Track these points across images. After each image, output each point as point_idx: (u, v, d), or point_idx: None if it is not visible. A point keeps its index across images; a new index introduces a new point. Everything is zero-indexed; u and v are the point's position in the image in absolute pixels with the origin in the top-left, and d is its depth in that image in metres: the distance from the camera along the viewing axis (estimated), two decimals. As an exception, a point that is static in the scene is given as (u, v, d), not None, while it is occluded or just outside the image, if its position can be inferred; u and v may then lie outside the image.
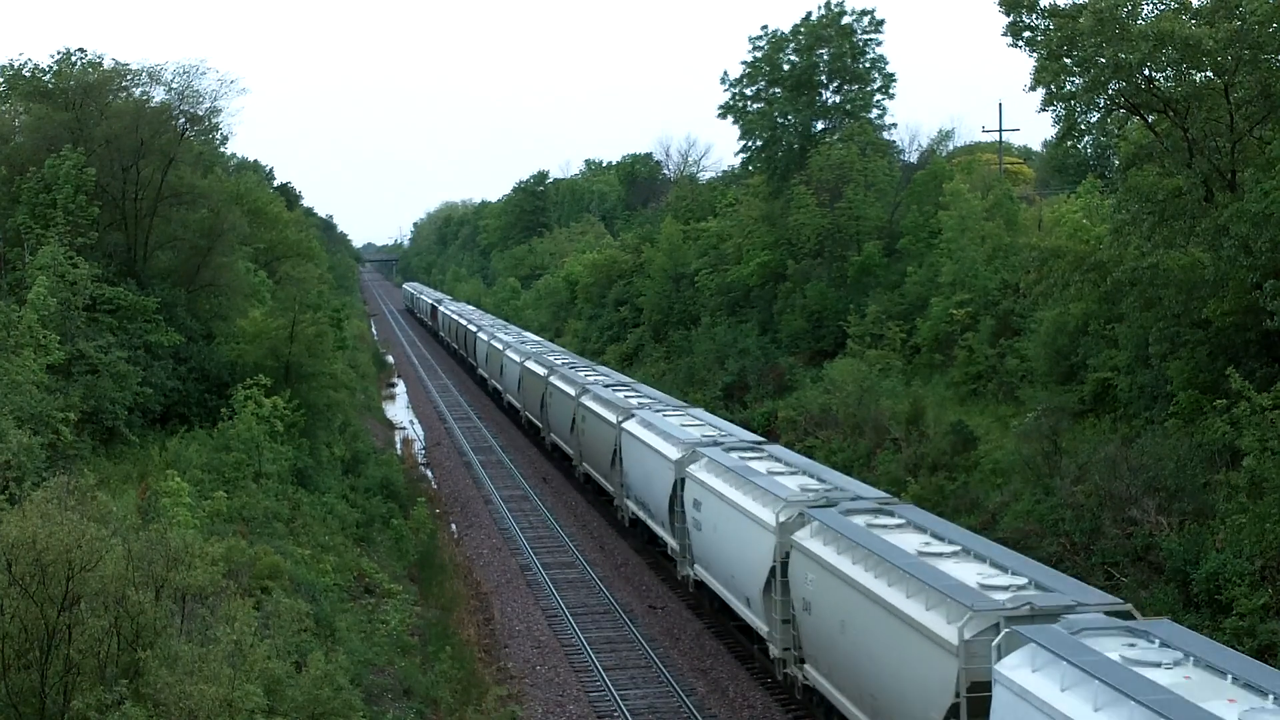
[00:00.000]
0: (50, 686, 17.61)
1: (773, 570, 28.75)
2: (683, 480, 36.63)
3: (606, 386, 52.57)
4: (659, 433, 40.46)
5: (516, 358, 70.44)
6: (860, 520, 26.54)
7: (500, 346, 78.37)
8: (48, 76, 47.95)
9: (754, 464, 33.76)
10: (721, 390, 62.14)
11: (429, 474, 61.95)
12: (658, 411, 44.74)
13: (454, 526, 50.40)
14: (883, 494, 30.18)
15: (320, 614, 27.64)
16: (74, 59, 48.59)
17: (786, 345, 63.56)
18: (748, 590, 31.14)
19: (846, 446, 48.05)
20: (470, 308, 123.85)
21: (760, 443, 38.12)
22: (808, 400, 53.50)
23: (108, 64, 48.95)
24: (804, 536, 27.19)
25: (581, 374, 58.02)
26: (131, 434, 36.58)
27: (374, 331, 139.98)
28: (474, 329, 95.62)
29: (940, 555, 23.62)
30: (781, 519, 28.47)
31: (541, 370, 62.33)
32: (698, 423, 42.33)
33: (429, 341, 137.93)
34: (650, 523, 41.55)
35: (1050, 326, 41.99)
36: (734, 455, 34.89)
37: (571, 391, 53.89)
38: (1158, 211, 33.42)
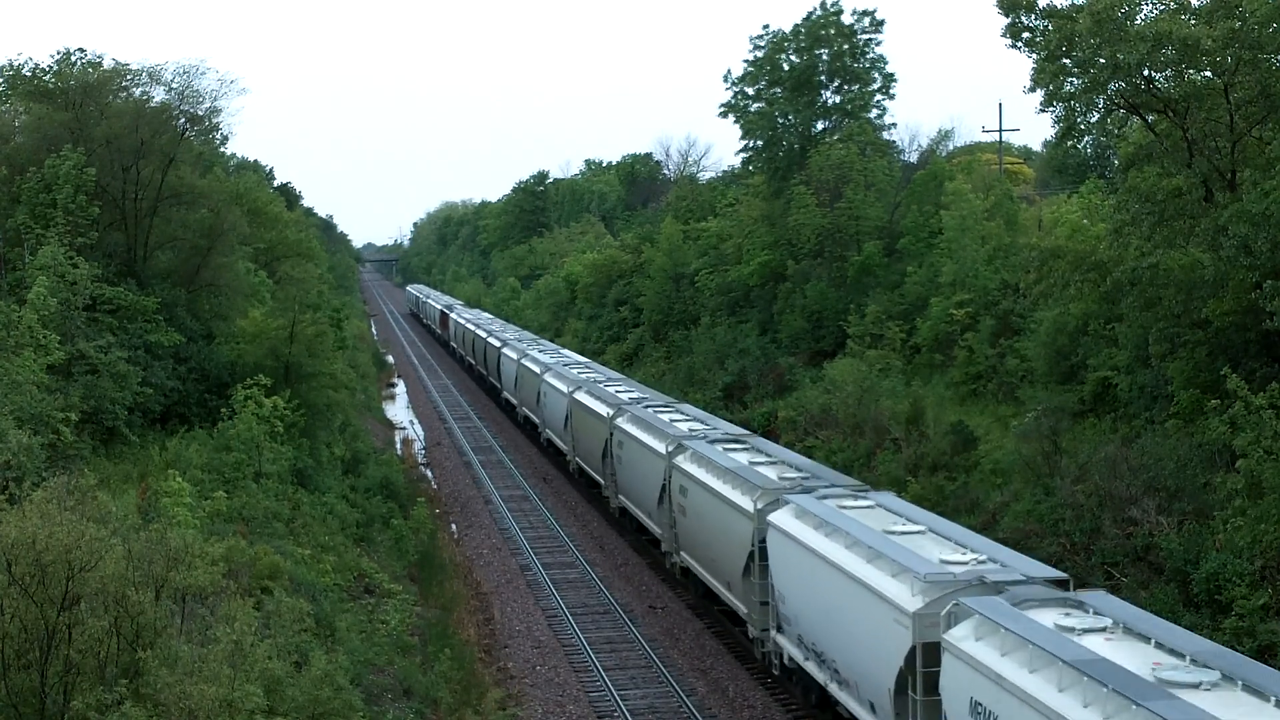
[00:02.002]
0: (50, 686, 17.62)
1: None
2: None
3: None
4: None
5: (562, 386, 57.08)
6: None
7: (535, 368, 64.65)
8: (48, 76, 47.94)
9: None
10: (721, 390, 62.14)
11: (429, 474, 61.96)
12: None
13: (454, 526, 50.41)
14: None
15: (320, 614, 27.64)
16: (74, 59, 48.59)
17: (786, 345, 63.57)
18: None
19: (846, 446, 48.05)
20: (487, 315, 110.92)
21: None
22: (808, 400, 53.50)
23: (108, 64, 49.02)
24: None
25: (670, 418, 44.06)
26: (131, 434, 36.58)
27: (374, 331, 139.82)
28: (497, 343, 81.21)
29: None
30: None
31: (604, 409, 48.54)
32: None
33: (439, 353, 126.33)
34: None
35: (1050, 326, 41.99)
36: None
37: (661, 450, 39.47)
38: (1157, 212, 33.42)
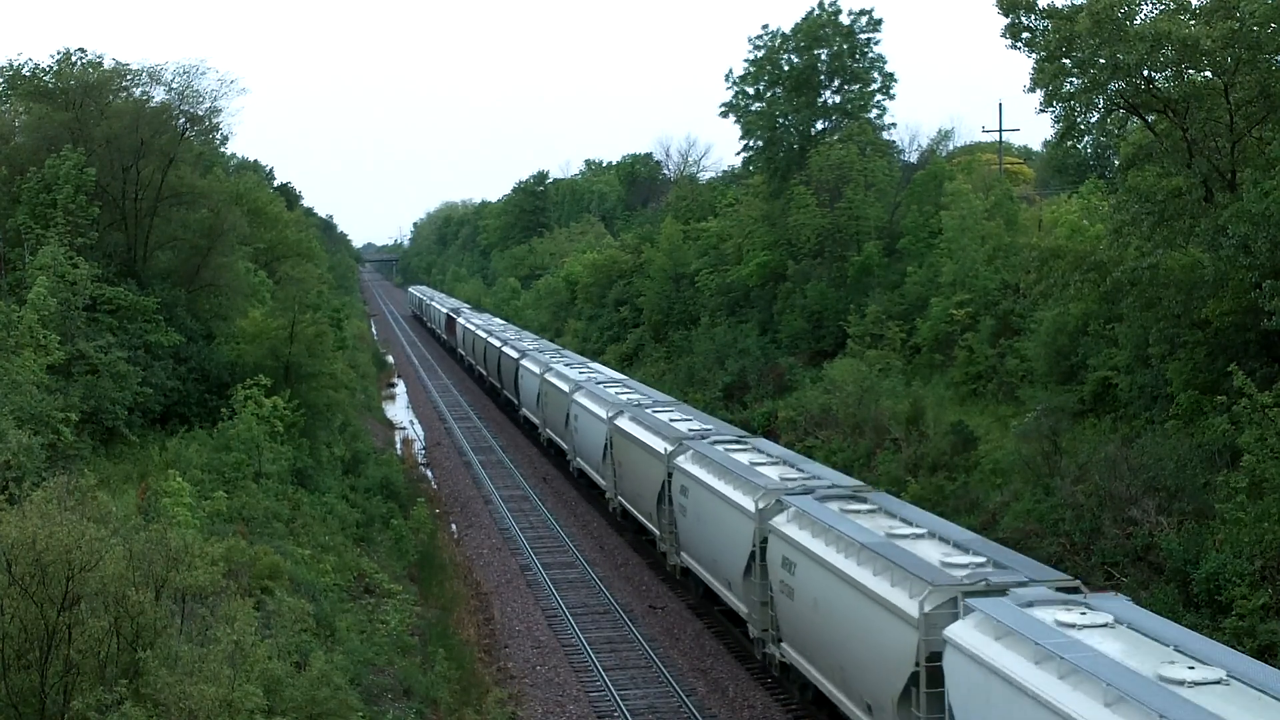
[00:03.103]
0: (50, 686, 17.61)
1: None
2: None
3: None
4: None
5: (598, 410, 48.38)
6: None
7: (563, 386, 56.13)
8: (48, 76, 47.92)
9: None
10: (721, 390, 62.14)
11: (429, 474, 61.95)
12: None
13: (454, 526, 50.41)
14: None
15: (320, 614, 27.64)
16: (74, 59, 48.55)
17: (786, 345, 63.56)
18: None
19: (846, 446, 48.05)
20: (499, 321, 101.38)
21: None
22: (808, 400, 53.50)
23: (108, 64, 48.98)
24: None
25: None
26: (131, 434, 36.56)
27: (374, 331, 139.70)
28: (514, 354, 72.42)
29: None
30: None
31: (659, 444, 39.65)
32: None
33: (439, 353, 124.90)
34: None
35: (1050, 326, 41.99)
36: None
37: (751, 508, 31.28)
38: (1157, 212, 33.43)
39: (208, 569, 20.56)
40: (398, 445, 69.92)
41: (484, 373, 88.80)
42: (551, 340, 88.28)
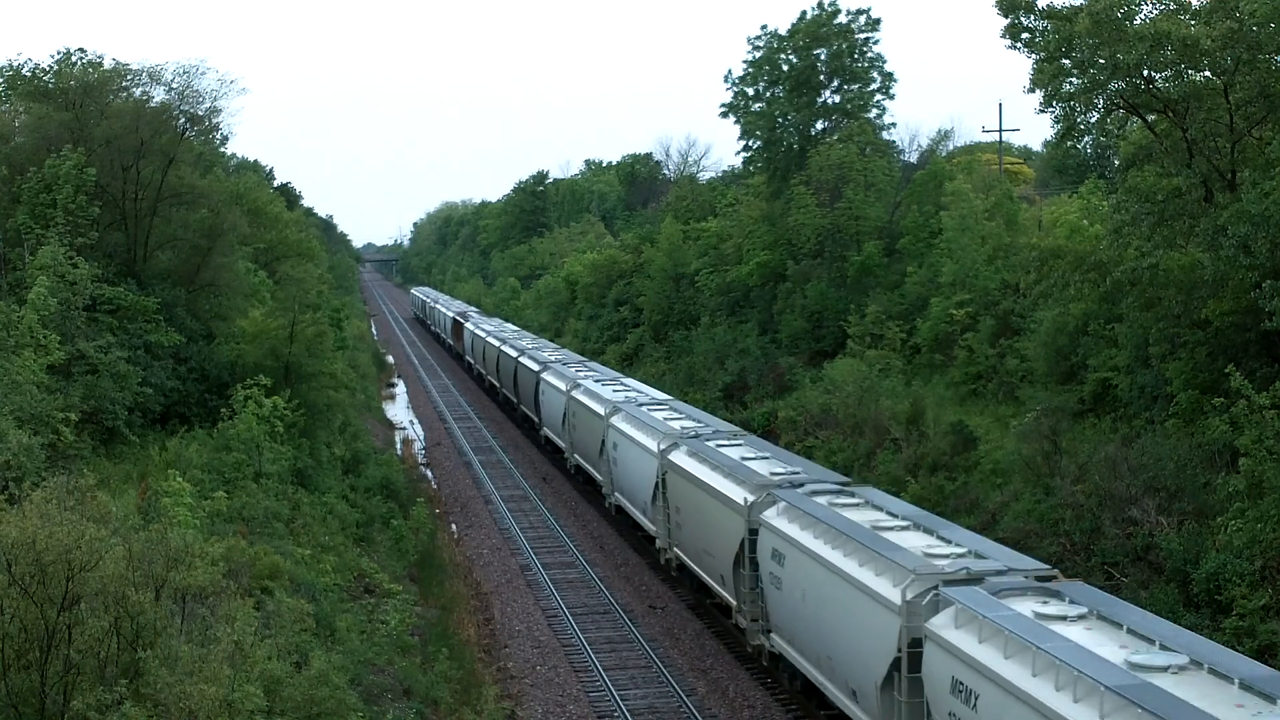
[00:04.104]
0: (50, 686, 17.61)
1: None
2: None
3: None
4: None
5: (646, 440, 40.92)
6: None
7: (596, 407, 48.37)
8: (48, 76, 47.93)
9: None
10: (721, 390, 62.13)
11: (429, 474, 61.94)
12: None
13: (454, 526, 50.41)
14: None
15: (320, 614, 27.64)
16: (74, 59, 48.57)
17: (786, 345, 63.55)
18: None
19: (846, 446, 48.05)
20: (513, 327, 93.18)
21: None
22: (808, 400, 53.50)
23: (108, 64, 48.98)
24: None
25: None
26: (131, 434, 36.56)
27: (374, 332, 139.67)
28: (534, 365, 64.26)
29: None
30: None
31: (737, 493, 31.84)
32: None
33: (439, 352, 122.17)
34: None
35: (1050, 326, 41.99)
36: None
37: (896, 604, 24.45)
38: (1157, 212, 33.42)
39: (208, 569, 20.56)
40: (398, 445, 69.92)
41: (496, 383, 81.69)
42: (551, 340, 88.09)
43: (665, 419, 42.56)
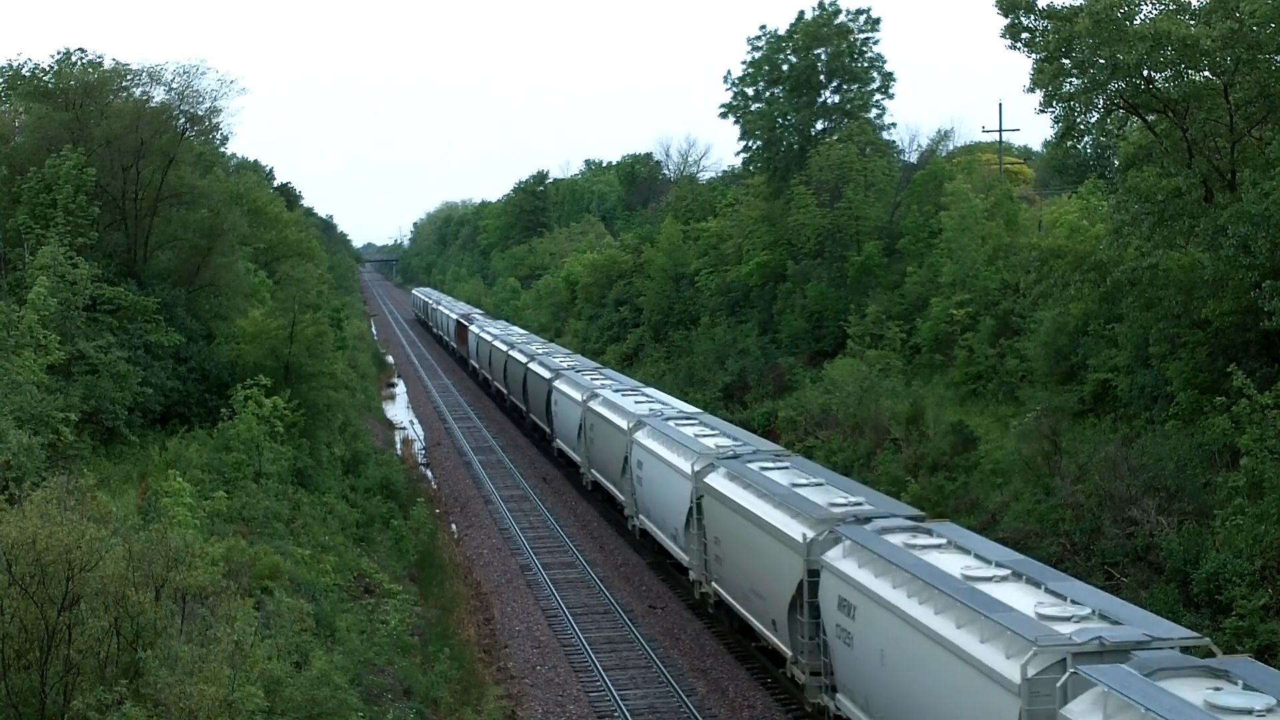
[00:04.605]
0: (50, 686, 17.61)
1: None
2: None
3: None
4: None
5: (678, 460, 37.11)
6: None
7: (618, 420, 45.02)
8: (48, 76, 47.90)
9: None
10: (721, 390, 62.13)
11: (429, 474, 61.95)
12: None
13: (454, 526, 50.42)
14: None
15: (320, 614, 27.64)
16: (74, 59, 48.56)
17: (786, 345, 63.55)
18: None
19: (846, 447, 48.05)
20: (520, 330, 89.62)
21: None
22: (808, 400, 53.50)
23: (108, 64, 48.95)
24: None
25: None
26: (131, 434, 36.56)
27: (374, 332, 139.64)
28: (545, 373, 60.36)
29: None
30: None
31: (795, 530, 28.05)
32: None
33: (439, 352, 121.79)
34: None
35: (1050, 326, 41.99)
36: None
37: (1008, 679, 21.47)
38: (1157, 212, 33.42)
39: (208, 569, 20.56)
40: (398, 445, 69.93)
41: (503, 390, 77.49)
42: (552, 340, 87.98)
43: (697, 435, 38.72)
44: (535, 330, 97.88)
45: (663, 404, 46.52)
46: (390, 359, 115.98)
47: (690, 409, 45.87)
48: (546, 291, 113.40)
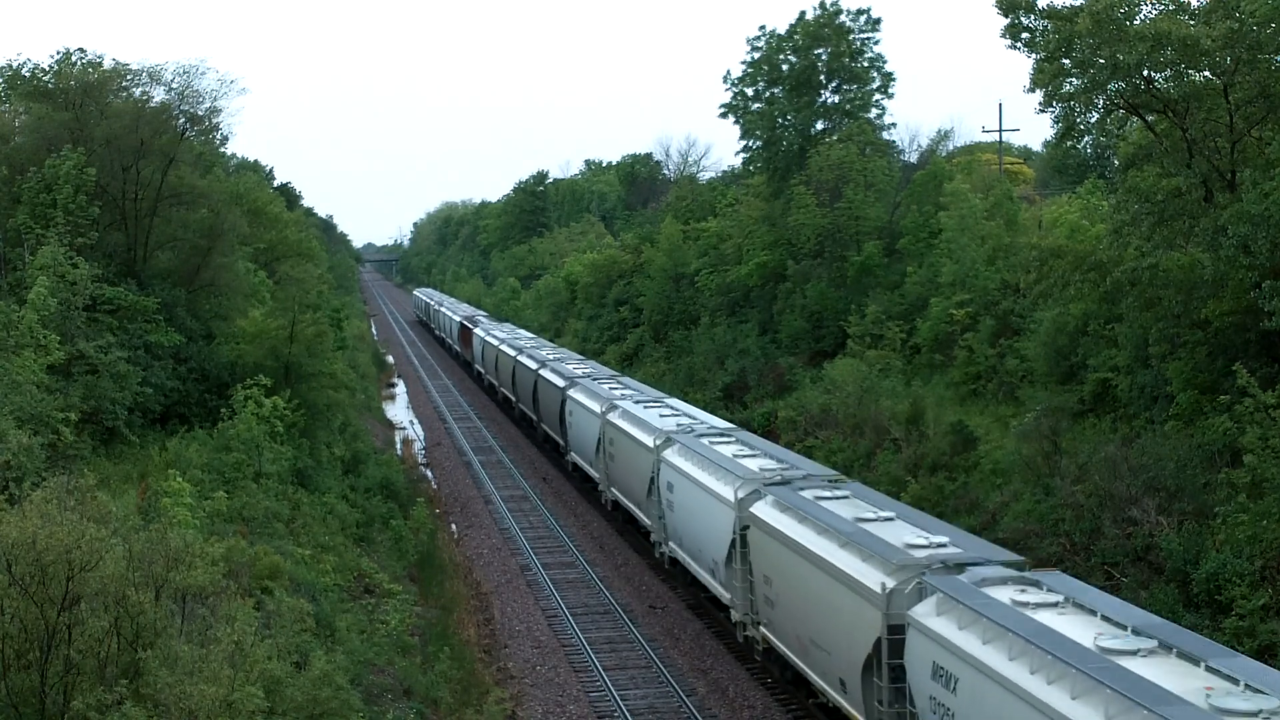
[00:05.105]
0: (50, 686, 17.61)
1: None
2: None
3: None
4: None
5: (722, 487, 33.06)
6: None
7: (645, 438, 40.93)
8: (48, 76, 47.87)
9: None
10: (721, 390, 62.13)
11: (429, 474, 61.94)
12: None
13: (454, 526, 50.40)
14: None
15: (320, 614, 27.64)
16: (74, 59, 48.52)
17: (786, 345, 63.56)
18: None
19: (846, 446, 48.05)
20: (529, 335, 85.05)
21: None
22: (808, 400, 53.50)
23: (108, 64, 48.92)
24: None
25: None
26: (131, 434, 36.55)
27: (374, 332, 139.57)
28: (558, 381, 56.84)
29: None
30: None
31: (872, 578, 24.35)
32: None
33: (439, 352, 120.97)
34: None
35: (1050, 326, 41.99)
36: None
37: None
38: (1157, 212, 33.42)
39: (208, 569, 20.55)
40: (398, 445, 69.91)
41: (511, 397, 73.75)
42: (550, 339, 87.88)
43: (736, 455, 35.15)
44: (535, 330, 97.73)
45: (691, 417, 42.75)
46: (390, 359, 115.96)
47: (723, 424, 42.07)
48: (546, 291, 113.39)
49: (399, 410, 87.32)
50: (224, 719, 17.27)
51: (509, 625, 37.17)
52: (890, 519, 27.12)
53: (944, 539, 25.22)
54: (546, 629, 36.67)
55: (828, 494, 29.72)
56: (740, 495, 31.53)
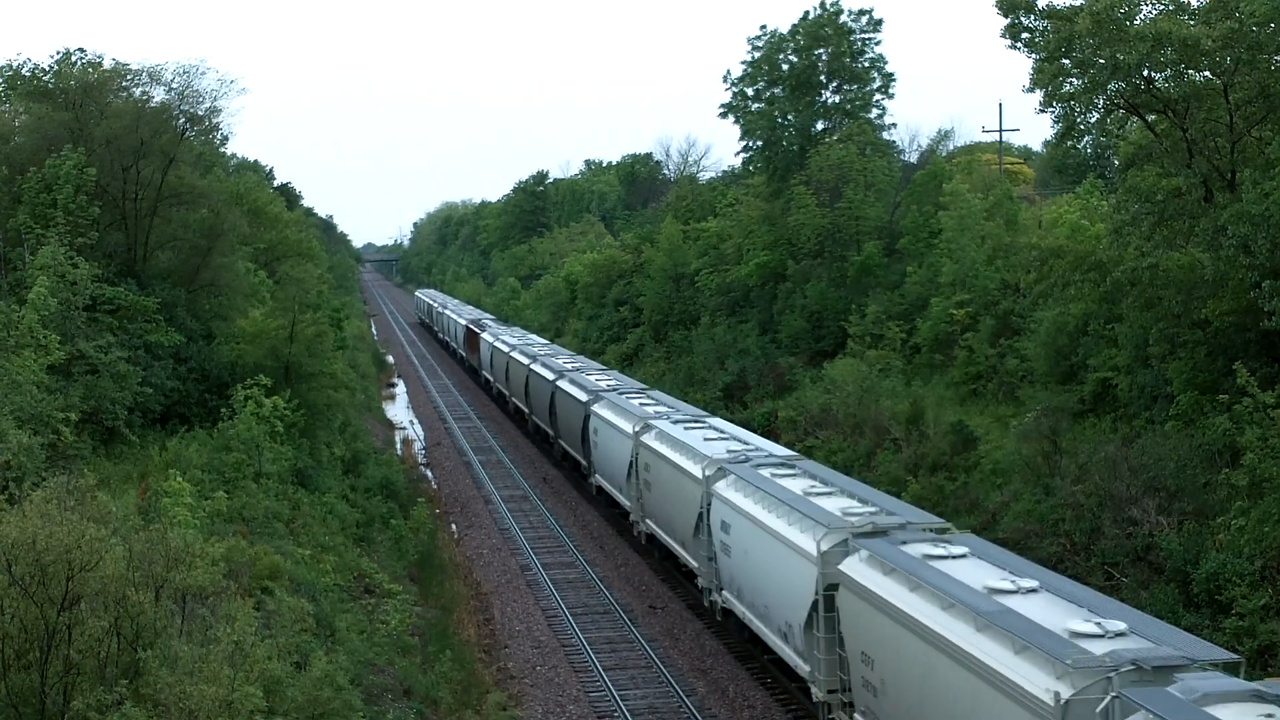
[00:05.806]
0: (50, 686, 17.60)
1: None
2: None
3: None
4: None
5: (802, 539, 27.08)
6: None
7: (693, 467, 35.25)
8: (48, 76, 47.88)
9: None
10: (721, 390, 62.11)
11: (429, 474, 61.94)
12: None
13: (454, 526, 50.40)
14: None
15: (320, 614, 27.64)
16: (74, 59, 48.53)
17: (786, 345, 63.55)
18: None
19: (846, 447, 48.04)
20: (542, 341, 79.80)
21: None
22: (808, 400, 53.50)
23: (108, 64, 48.93)
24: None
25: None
26: (131, 434, 36.54)
27: (374, 332, 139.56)
28: (579, 395, 51.83)
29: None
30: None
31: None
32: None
33: (439, 352, 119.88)
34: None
35: (1050, 326, 41.99)
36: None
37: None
38: (1157, 212, 33.42)
39: (208, 569, 20.55)
40: (398, 445, 69.92)
41: (524, 409, 68.04)
42: (550, 340, 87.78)
43: (807, 492, 29.63)
44: (535, 330, 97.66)
45: (742, 441, 37.01)
46: (390, 359, 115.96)
47: (782, 450, 35.99)
48: (546, 291, 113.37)
49: (399, 410, 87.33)
50: (224, 719, 17.27)
51: (509, 625, 37.17)
52: (1034, 589, 21.15)
53: (1122, 625, 18.95)
54: (546, 629, 36.66)
55: (938, 551, 23.80)
56: (824, 548, 25.84)
